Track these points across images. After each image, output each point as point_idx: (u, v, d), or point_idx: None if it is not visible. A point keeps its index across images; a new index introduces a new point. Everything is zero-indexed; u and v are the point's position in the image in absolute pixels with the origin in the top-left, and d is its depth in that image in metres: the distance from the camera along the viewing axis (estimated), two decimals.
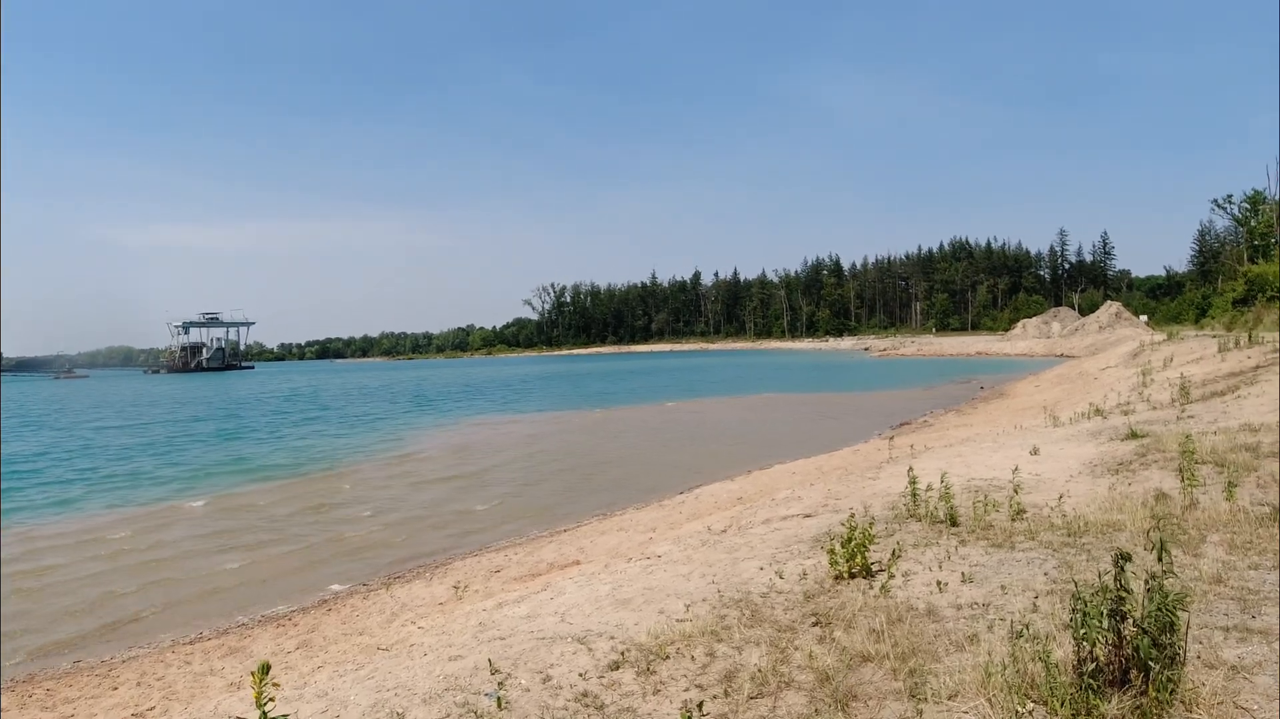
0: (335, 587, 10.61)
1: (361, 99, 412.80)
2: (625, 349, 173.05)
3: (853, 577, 5.48)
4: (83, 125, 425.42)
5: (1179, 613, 3.07)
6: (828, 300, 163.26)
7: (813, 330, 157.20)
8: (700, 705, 3.59)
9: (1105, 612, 3.15)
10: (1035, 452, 10.45)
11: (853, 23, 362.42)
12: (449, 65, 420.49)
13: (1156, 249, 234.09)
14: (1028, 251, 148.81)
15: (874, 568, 5.58)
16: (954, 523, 6.74)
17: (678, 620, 5.04)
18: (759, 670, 4.00)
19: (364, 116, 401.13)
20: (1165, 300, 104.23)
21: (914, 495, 7.40)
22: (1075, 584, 3.55)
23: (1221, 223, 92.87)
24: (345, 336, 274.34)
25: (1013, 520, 6.66)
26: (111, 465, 23.09)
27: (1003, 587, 4.94)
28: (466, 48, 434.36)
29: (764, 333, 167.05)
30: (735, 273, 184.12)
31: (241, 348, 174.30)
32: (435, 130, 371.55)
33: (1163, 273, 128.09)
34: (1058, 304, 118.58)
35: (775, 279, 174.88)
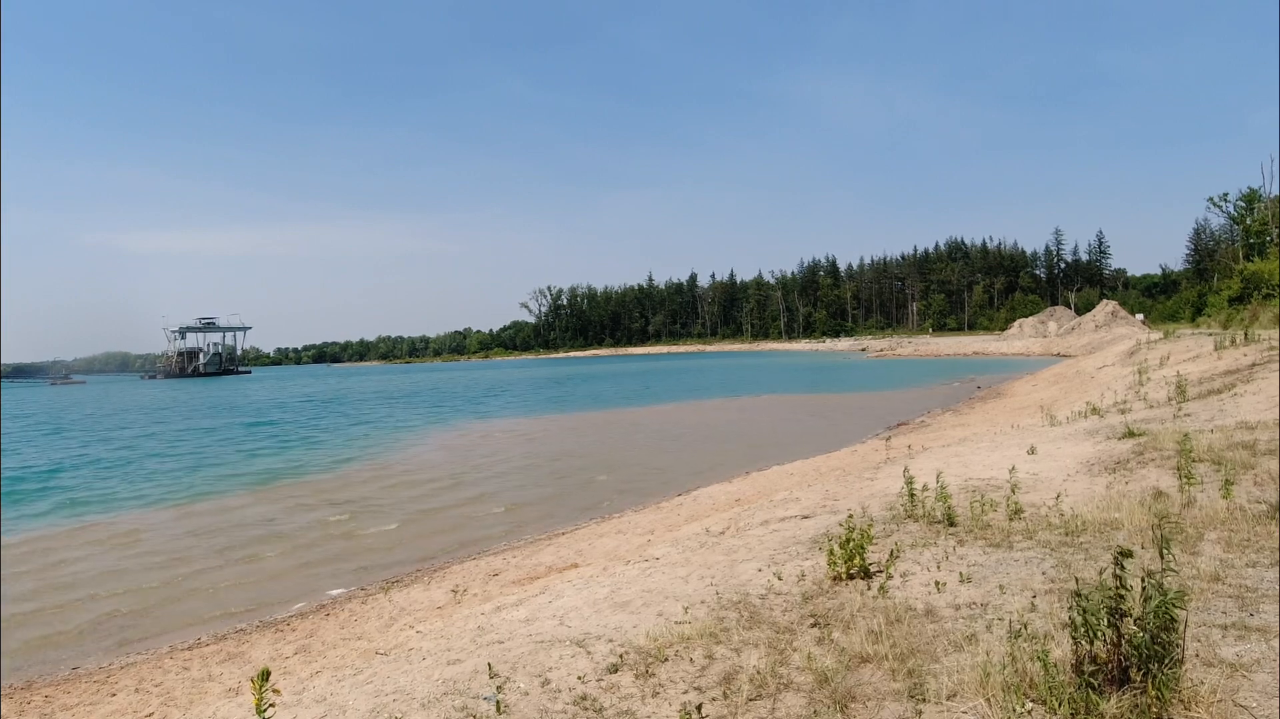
0: (334, 591, 10.59)
1: (359, 104, 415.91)
2: (622, 351, 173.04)
3: (851, 578, 5.47)
4: (82, 131, 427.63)
5: (1178, 611, 3.07)
6: (824, 301, 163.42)
7: (809, 331, 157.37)
8: (699, 708, 3.59)
9: (1104, 610, 3.16)
10: (1032, 451, 10.45)
11: (847, 24, 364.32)
12: (446, 70, 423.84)
13: (1152, 247, 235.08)
14: (1023, 251, 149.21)
15: (872, 569, 5.58)
16: (952, 523, 6.74)
17: (676, 623, 5.04)
18: (758, 672, 3.99)
19: (362, 121, 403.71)
20: (1161, 299, 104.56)
21: (911, 496, 7.39)
22: (1075, 583, 3.55)
23: (1217, 221, 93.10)
24: (341, 340, 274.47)
25: (1010, 520, 6.66)
26: (138, 474, 23.03)
27: (1001, 586, 4.94)
28: (464, 54, 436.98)
29: (761, 334, 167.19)
30: (732, 274, 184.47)
31: (238, 353, 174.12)
32: (432, 135, 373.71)
33: (1159, 271, 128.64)
34: (1054, 303, 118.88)
35: (772, 280, 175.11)
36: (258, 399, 63.57)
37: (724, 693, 3.81)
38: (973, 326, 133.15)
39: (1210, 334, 27.76)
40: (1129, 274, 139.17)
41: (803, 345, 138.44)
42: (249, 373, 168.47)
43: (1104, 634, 3.15)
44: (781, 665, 4.08)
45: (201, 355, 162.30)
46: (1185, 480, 6.66)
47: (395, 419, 38.21)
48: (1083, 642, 3.18)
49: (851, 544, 5.53)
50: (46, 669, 8.26)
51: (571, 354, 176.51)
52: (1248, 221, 63.75)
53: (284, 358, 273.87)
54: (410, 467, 22.00)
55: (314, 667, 6.86)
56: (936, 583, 5.08)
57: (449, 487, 18.28)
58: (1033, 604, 4.54)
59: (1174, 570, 3.43)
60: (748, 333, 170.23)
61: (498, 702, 3.88)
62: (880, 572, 5.48)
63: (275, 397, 66.21)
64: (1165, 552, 3.37)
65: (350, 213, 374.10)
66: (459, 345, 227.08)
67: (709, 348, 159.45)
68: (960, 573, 5.26)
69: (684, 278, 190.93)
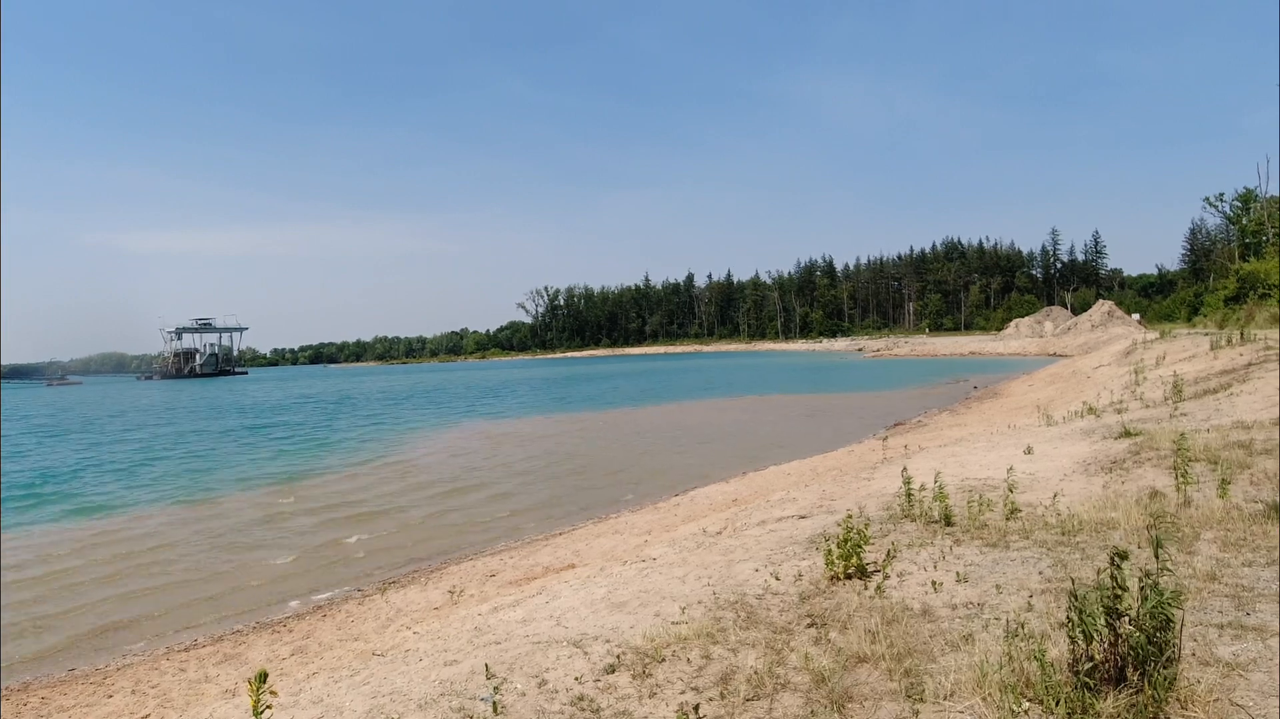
0: (330, 592, 10.57)
1: (359, 104, 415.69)
2: (619, 352, 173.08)
3: (848, 577, 5.47)
4: (82, 131, 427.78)
5: (1174, 610, 3.07)
6: (821, 301, 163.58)
7: (806, 331, 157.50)
8: (696, 708, 3.58)
9: (1101, 610, 3.16)
10: (1029, 451, 10.46)
11: (847, 24, 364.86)
12: (446, 70, 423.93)
13: (1149, 247, 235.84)
14: (1020, 251, 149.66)
15: (869, 568, 5.58)
16: (949, 523, 6.74)
17: (673, 623, 5.03)
18: (755, 672, 3.99)
19: (362, 121, 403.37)
20: (1157, 298, 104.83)
21: (909, 495, 7.40)
22: (1071, 583, 3.55)
23: (1213, 221, 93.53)
24: (338, 341, 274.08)
25: (1007, 520, 6.67)
26: (150, 476, 23.01)
27: (998, 586, 4.95)
28: (464, 54, 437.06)
29: (758, 334, 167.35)
30: (729, 275, 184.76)
31: (234, 353, 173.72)
32: (432, 135, 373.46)
33: (1155, 271, 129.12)
34: (1050, 303, 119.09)
35: (769, 280, 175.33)
36: (262, 400, 63.34)
37: (721, 693, 3.81)
38: (969, 327, 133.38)
39: (1206, 334, 27.81)
40: (1125, 274, 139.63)
41: (799, 346, 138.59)
42: (245, 373, 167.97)
43: (1100, 634, 3.15)
44: (779, 665, 4.08)
45: (198, 356, 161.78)
46: (1182, 480, 6.67)
47: (402, 420, 38.23)
48: (1079, 641, 3.18)
49: (848, 544, 5.53)
50: (44, 670, 8.24)
51: (568, 354, 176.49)
52: (1244, 221, 63.84)
53: (280, 358, 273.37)
54: (416, 467, 21.99)
55: (311, 668, 6.84)
56: (933, 583, 5.08)
57: (446, 486, 18.27)
58: (1029, 604, 4.54)
59: (1170, 570, 3.44)
60: (744, 333, 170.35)
61: (495, 702, 3.87)
62: (877, 571, 5.48)
63: (279, 398, 66.01)
64: (1161, 551, 3.38)
65: (350, 213, 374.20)
66: (456, 346, 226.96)
67: (706, 348, 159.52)
68: (957, 573, 5.26)
69: (681, 278, 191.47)
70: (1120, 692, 3.07)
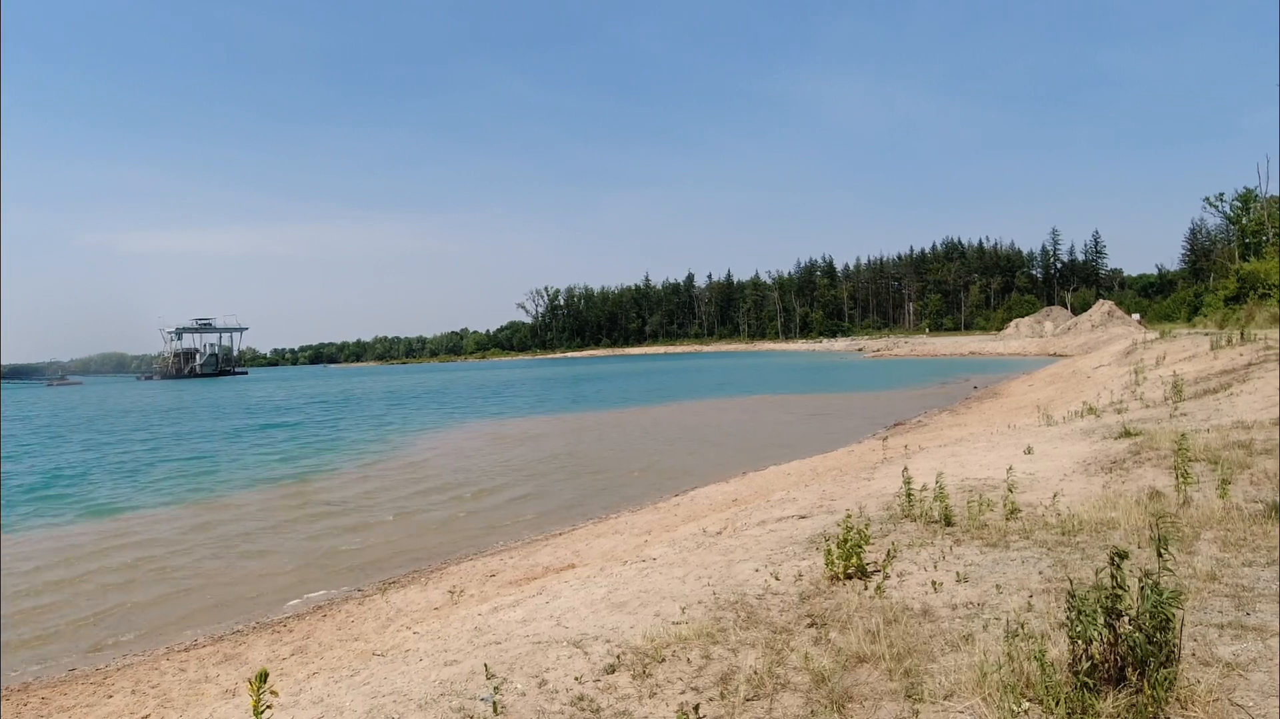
0: (330, 592, 10.57)
1: (359, 104, 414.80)
2: (619, 352, 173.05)
3: (848, 577, 5.48)
4: (82, 131, 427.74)
5: (1174, 610, 3.07)
6: (821, 301, 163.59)
7: (806, 331, 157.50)
8: (696, 708, 3.58)
9: (1100, 610, 3.16)
10: (1029, 451, 10.46)
11: (847, 24, 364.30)
12: (446, 70, 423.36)
13: (1149, 247, 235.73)
14: (1020, 251, 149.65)
15: (869, 568, 5.58)
16: (949, 523, 6.74)
17: (673, 623, 5.03)
18: (755, 672, 3.99)
19: (362, 121, 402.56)
20: (1157, 298, 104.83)
21: (909, 495, 7.40)
22: (1070, 583, 3.55)
23: (1213, 221, 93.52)
24: (338, 341, 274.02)
25: (1007, 520, 6.67)
26: (156, 477, 22.98)
27: (998, 586, 4.95)
28: (464, 54, 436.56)
29: (758, 334, 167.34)
30: (729, 275, 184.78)
31: (235, 353, 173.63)
32: (432, 135, 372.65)
33: (1155, 271, 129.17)
34: (1050, 303, 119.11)
35: (769, 280, 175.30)
36: (265, 400, 63.22)
37: (721, 693, 3.81)
38: (969, 327, 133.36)
39: (1206, 334, 27.80)
40: (1125, 274, 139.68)
41: (800, 346, 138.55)
42: (245, 374, 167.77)
43: (1100, 634, 3.15)
44: (779, 665, 4.08)
45: (198, 356, 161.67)
46: (1182, 480, 6.67)
47: (408, 420, 38.26)
48: (1079, 641, 3.19)
49: (848, 544, 5.53)
50: (44, 670, 8.24)
51: (568, 355, 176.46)
52: (1244, 221, 63.83)
53: (280, 359, 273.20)
54: (410, 466, 22.00)
55: (311, 668, 6.84)
56: (933, 583, 5.08)
57: (447, 486, 18.27)
58: (1029, 604, 4.54)
59: (1170, 570, 3.44)
60: (745, 333, 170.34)
61: (495, 702, 3.88)
62: (877, 571, 5.49)
63: (281, 398, 65.91)
64: (1162, 551, 3.38)
65: (350, 213, 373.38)
66: (456, 346, 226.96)
67: (706, 348, 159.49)
68: (957, 573, 5.26)
69: (681, 278, 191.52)
70: (1120, 692, 3.07)
